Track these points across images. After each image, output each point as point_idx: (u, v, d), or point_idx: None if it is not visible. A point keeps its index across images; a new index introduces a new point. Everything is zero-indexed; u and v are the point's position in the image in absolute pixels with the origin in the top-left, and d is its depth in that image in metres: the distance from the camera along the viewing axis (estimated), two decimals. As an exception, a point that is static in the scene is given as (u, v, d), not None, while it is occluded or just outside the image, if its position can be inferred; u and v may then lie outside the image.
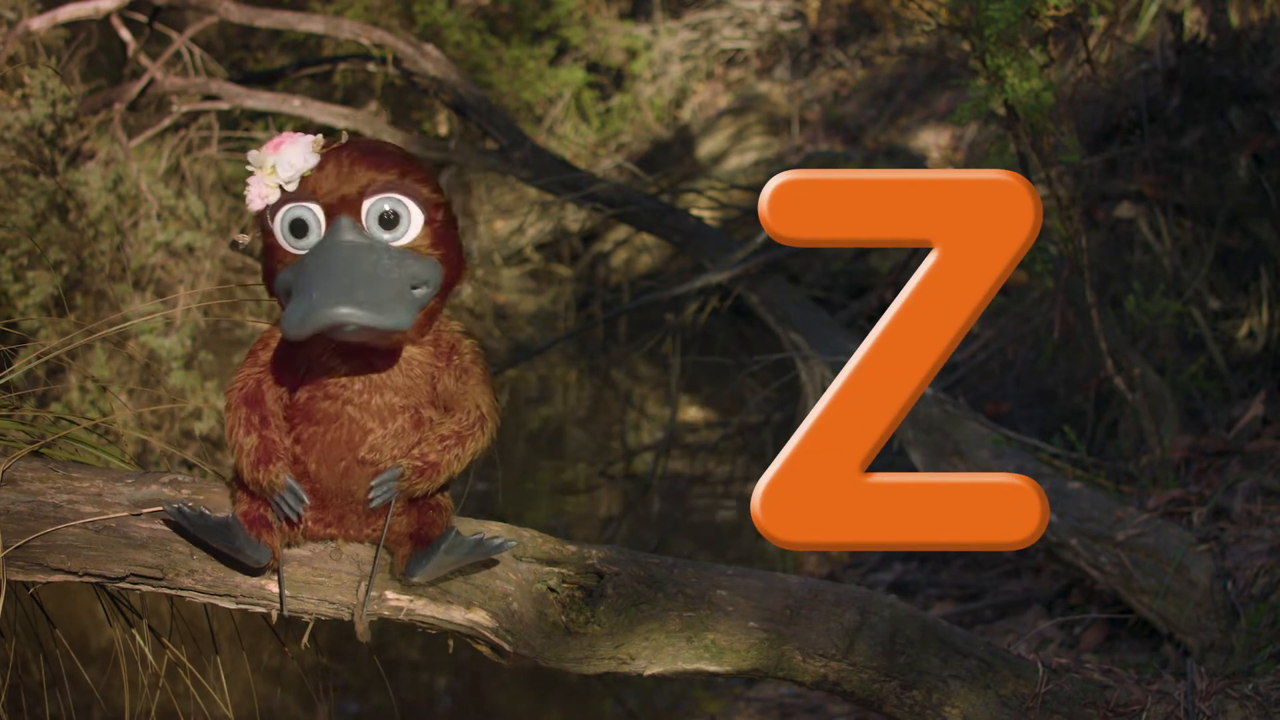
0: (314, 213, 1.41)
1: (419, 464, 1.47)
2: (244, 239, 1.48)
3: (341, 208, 1.40)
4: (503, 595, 1.61)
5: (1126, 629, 2.97)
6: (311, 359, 1.46)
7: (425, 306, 1.43)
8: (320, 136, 1.44)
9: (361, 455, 1.47)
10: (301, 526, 1.51)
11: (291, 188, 1.41)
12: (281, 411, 1.47)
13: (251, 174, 1.42)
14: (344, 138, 1.47)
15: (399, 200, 1.41)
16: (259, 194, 1.42)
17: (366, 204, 1.40)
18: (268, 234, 1.43)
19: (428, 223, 1.43)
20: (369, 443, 1.46)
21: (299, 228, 1.41)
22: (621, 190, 4.37)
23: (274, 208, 1.41)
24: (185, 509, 1.45)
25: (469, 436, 1.49)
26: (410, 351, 1.48)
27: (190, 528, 1.47)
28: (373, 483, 1.47)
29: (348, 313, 1.33)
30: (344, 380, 1.46)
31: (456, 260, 1.46)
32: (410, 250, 1.41)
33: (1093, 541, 2.82)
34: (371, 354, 1.46)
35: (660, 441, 4.72)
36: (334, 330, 1.36)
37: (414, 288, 1.40)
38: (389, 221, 1.41)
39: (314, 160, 1.41)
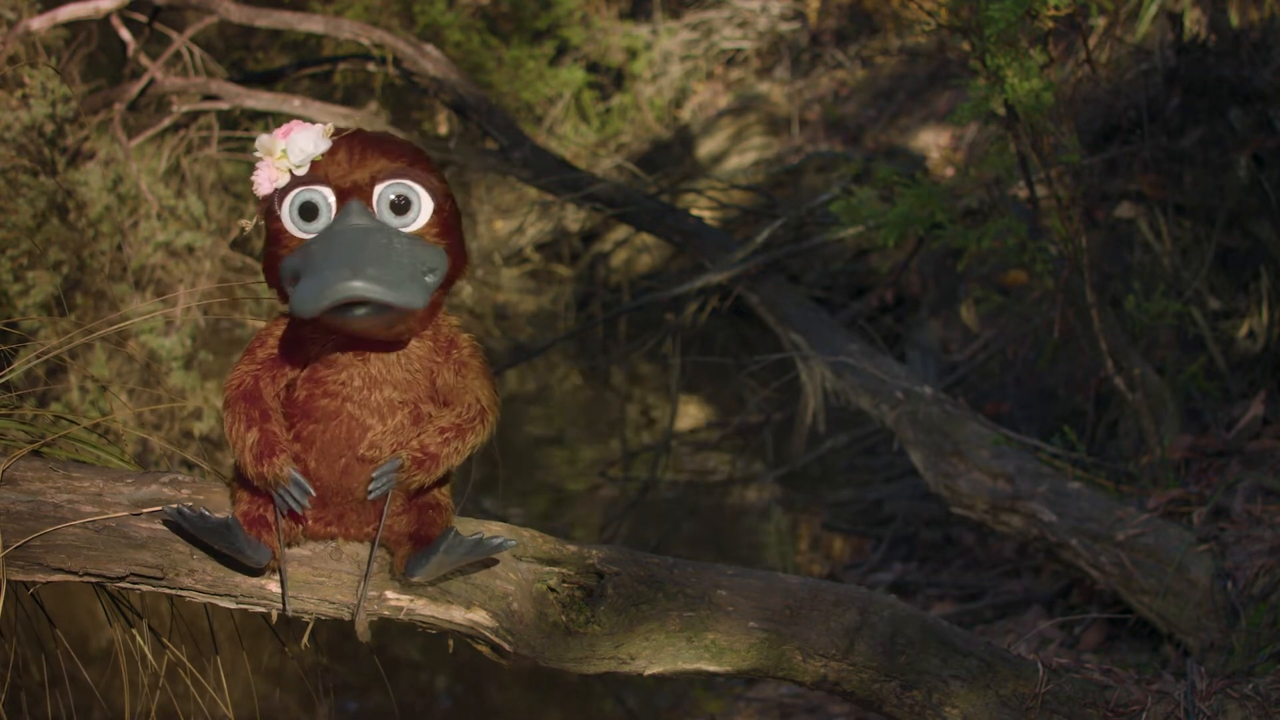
0: (325, 196, 1.41)
1: (418, 455, 1.46)
2: (247, 225, 1.48)
3: (353, 192, 1.40)
4: (503, 595, 1.60)
5: (1126, 629, 2.97)
6: (311, 355, 1.46)
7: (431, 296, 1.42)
8: (330, 124, 1.44)
9: (361, 453, 1.46)
10: (304, 524, 1.51)
11: (301, 172, 1.41)
12: (280, 408, 1.47)
13: (259, 159, 1.42)
14: (353, 128, 1.48)
15: (410, 187, 1.42)
16: (268, 178, 1.42)
17: (378, 189, 1.41)
18: (273, 219, 1.42)
19: (436, 211, 1.43)
20: (368, 439, 1.46)
21: (309, 211, 1.40)
22: (621, 190, 4.37)
23: (282, 192, 1.41)
24: (185, 510, 1.45)
25: (469, 429, 1.48)
26: (409, 345, 1.47)
27: (190, 529, 1.46)
28: (373, 474, 1.47)
29: (363, 287, 1.32)
30: (343, 377, 1.45)
31: (460, 252, 1.46)
32: (419, 237, 1.41)
33: (1093, 541, 2.82)
34: (371, 349, 1.45)
35: (660, 441, 4.72)
36: (345, 312, 1.35)
37: (424, 274, 1.40)
38: (400, 207, 1.41)
39: (325, 145, 1.42)
